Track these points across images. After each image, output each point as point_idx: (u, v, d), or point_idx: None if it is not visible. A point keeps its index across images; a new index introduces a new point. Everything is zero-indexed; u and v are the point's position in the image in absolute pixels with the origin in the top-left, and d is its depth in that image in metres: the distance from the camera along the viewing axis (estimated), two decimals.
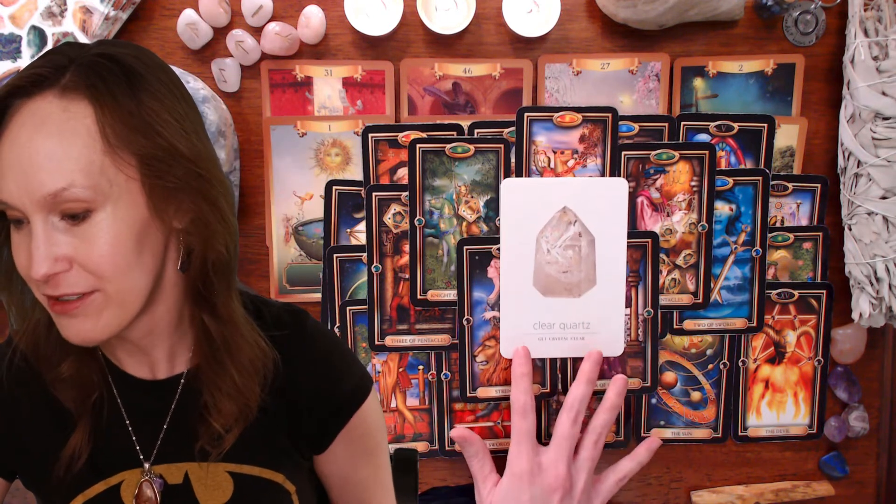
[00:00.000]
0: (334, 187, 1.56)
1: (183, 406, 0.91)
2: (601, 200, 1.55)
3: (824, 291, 1.64)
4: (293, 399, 0.94)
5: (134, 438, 0.91)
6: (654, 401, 1.65)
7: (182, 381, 0.91)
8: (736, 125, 1.58)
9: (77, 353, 0.88)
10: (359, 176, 1.56)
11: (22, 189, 0.75)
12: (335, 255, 1.57)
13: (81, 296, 0.78)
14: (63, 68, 0.78)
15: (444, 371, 1.61)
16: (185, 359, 0.92)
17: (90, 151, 0.76)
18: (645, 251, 1.58)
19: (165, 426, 0.91)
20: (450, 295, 1.58)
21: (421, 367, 1.61)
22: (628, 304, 1.60)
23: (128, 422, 0.91)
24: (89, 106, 0.76)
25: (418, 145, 1.54)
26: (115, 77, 0.78)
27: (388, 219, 1.56)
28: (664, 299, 1.61)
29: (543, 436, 1.65)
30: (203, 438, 0.89)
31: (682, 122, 1.57)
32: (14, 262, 0.82)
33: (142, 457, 0.90)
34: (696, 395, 1.66)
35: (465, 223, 1.57)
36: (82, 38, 1.43)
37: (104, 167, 0.76)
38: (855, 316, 1.59)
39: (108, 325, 0.80)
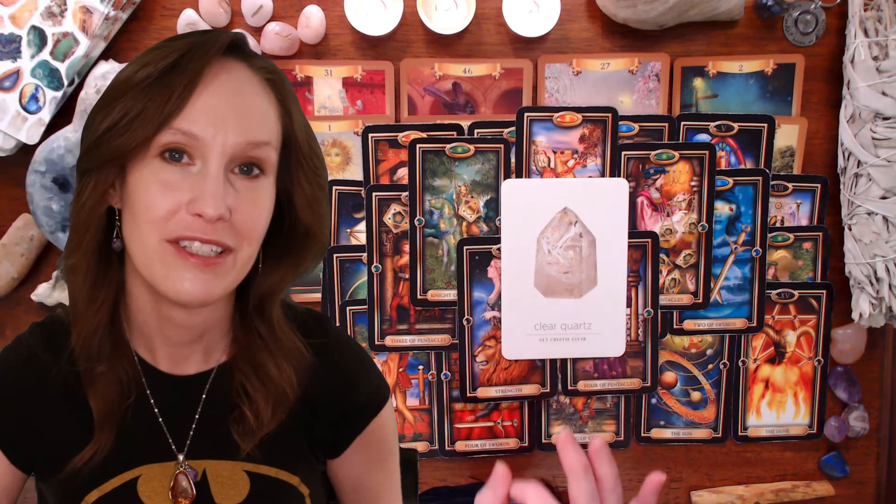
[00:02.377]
0: (334, 187, 1.55)
1: (211, 402, 0.92)
2: (601, 201, 1.55)
3: (824, 291, 1.64)
4: (313, 403, 0.95)
5: (165, 431, 0.91)
6: (654, 401, 1.65)
7: (212, 376, 0.92)
8: (736, 125, 1.58)
9: (113, 353, 0.89)
10: (359, 176, 1.56)
11: (223, 130, 0.78)
12: (335, 255, 1.57)
13: (220, 253, 0.80)
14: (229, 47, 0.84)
15: (444, 371, 1.61)
16: (217, 356, 0.93)
17: (276, 123, 0.84)
18: (645, 251, 1.58)
19: (196, 420, 0.91)
20: (450, 295, 1.58)
21: (421, 367, 1.61)
22: (628, 304, 1.60)
23: (157, 411, 0.91)
24: (270, 89, 0.85)
25: (418, 145, 1.54)
26: (279, 74, 0.87)
27: (388, 219, 1.56)
28: (664, 299, 1.61)
29: (543, 436, 1.65)
30: (237, 433, 0.90)
31: (682, 122, 1.57)
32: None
33: (174, 448, 0.91)
34: (696, 395, 1.66)
35: (465, 223, 1.57)
36: (82, 39, 1.43)
37: (277, 142, 0.84)
38: (855, 316, 1.59)
39: (225, 289, 0.83)
